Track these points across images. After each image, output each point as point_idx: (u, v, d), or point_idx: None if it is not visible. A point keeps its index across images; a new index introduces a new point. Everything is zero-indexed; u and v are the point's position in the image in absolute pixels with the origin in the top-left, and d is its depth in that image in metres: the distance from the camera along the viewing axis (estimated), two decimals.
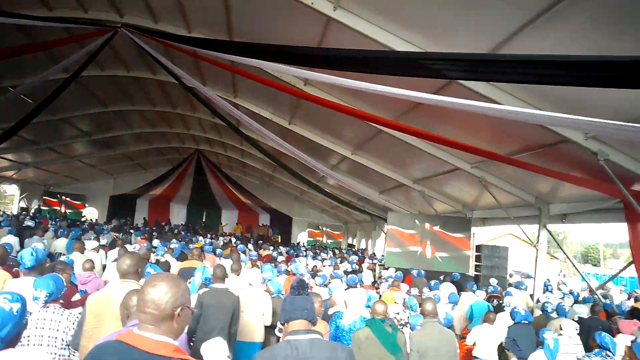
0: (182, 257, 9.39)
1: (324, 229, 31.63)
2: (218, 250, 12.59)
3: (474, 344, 5.99)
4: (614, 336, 5.49)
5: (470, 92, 6.47)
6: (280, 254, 14.72)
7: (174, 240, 12.80)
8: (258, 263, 10.64)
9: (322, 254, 18.20)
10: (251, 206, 28.43)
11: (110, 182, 27.88)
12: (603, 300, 9.99)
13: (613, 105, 5.92)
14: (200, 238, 16.64)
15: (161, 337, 1.83)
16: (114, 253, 8.99)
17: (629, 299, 11.98)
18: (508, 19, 5.14)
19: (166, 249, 9.49)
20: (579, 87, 5.32)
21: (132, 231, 17.20)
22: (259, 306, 5.61)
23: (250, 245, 15.97)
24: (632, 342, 4.52)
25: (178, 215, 26.66)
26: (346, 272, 11.67)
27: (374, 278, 12.92)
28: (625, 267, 10.88)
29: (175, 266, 8.07)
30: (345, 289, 6.83)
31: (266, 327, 5.75)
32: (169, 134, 21.37)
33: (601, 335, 4.66)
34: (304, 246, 25.23)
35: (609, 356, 4.54)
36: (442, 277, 11.25)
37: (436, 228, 13.88)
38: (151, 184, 27.32)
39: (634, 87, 3.30)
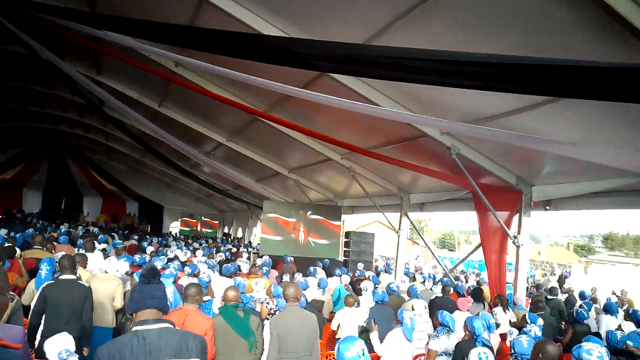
0: (26, 246, 8.44)
1: (201, 217, 30.72)
2: (79, 241, 11.59)
3: (338, 327, 6.26)
4: None
5: (340, 86, 6.68)
6: (150, 243, 14.03)
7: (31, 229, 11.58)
8: (124, 252, 10.01)
9: (194, 243, 17.69)
10: (117, 193, 26.54)
11: None
12: (455, 282, 11.12)
13: (463, 107, 6.55)
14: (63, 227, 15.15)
15: None
16: None
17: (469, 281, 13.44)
18: (380, 13, 5.29)
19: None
20: (437, 89, 5.79)
21: None
22: (108, 292, 5.38)
23: (115, 235, 14.92)
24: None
25: (32, 202, 23.89)
26: (220, 262, 11.50)
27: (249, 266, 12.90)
28: (472, 252, 12.19)
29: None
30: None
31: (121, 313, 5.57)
32: (21, 111, 18.96)
33: (442, 314, 5.15)
34: (175, 236, 24.33)
35: (450, 332, 5.05)
36: (317, 263, 11.63)
37: (310, 216, 14.27)
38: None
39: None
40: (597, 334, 6.66)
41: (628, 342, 4.48)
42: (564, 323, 7.73)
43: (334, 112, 8.13)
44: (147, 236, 18.28)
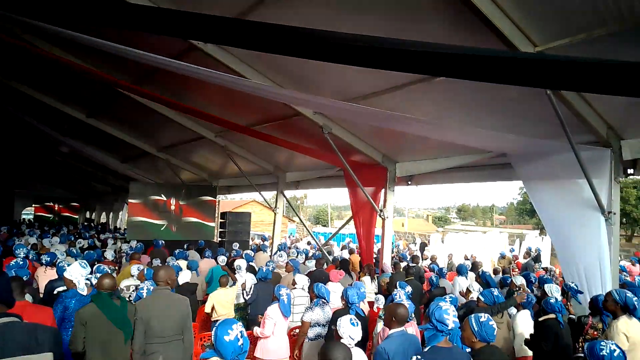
0: None
1: (60, 202, 27.88)
2: None
3: (213, 308, 6.16)
4: None
5: (211, 60, 6.44)
6: None
7: None
8: None
9: (52, 230, 16.09)
10: None
11: None
12: (327, 255, 11.58)
13: (334, 85, 6.74)
14: None
15: None
16: None
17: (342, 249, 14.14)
18: None
19: None
20: (309, 66, 5.88)
21: None
22: None
23: None
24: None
25: None
26: (82, 249, 10.64)
27: (115, 252, 12.12)
28: (343, 225, 12.86)
29: None
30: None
31: None
32: None
33: (318, 286, 5.35)
34: (29, 223, 21.93)
35: (325, 303, 5.27)
36: (185, 246, 11.28)
37: (182, 197, 13.78)
38: None
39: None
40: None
41: (480, 297, 5.08)
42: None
43: (207, 89, 7.85)
44: None
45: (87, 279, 4.77)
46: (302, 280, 6.30)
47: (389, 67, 2.91)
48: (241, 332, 2.68)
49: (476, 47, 2.94)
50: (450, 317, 3.04)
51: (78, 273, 4.63)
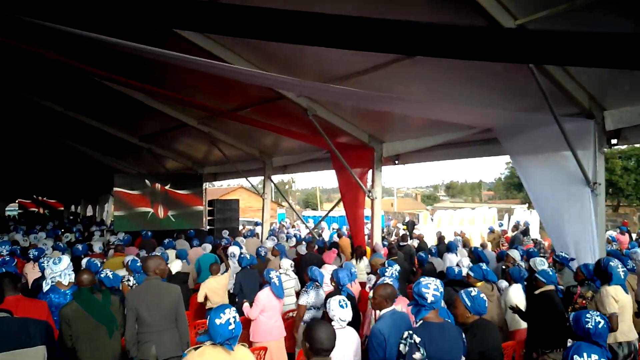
0: None
1: (44, 197, 27.48)
2: None
3: (206, 298, 6.12)
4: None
5: (191, 46, 6.29)
6: None
7: None
8: None
9: (37, 226, 15.89)
10: None
11: None
12: (317, 238, 11.59)
13: (318, 67, 6.65)
14: None
15: None
16: None
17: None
18: None
19: None
20: (289, 48, 5.77)
21: None
22: None
23: None
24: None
25: None
26: (69, 243, 10.52)
27: (104, 245, 12.02)
28: (332, 208, 12.86)
29: None
30: None
31: None
32: None
33: (311, 270, 5.38)
34: (14, 219, 21.68)
35: (319, 287, 5.28)
36: (175, 235, 11.21)
37: (167, 187, 13.64)
38: None
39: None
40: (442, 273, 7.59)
41: (470, 272, 5.11)
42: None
43: (185, 74, 7.68)
44: None
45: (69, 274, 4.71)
46: (286, 264, 6.40)
47: (366, 48, 2.83)
48: (234, 317, 2.67)
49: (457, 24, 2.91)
50: (430, 291, 3.04)
51: (50, 270, 4.60)
